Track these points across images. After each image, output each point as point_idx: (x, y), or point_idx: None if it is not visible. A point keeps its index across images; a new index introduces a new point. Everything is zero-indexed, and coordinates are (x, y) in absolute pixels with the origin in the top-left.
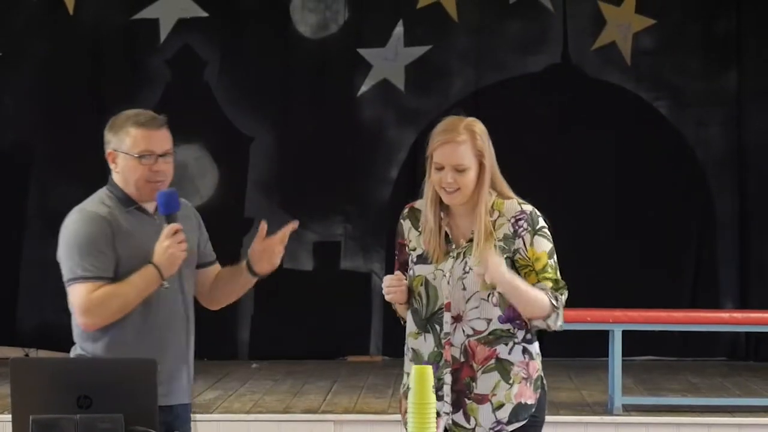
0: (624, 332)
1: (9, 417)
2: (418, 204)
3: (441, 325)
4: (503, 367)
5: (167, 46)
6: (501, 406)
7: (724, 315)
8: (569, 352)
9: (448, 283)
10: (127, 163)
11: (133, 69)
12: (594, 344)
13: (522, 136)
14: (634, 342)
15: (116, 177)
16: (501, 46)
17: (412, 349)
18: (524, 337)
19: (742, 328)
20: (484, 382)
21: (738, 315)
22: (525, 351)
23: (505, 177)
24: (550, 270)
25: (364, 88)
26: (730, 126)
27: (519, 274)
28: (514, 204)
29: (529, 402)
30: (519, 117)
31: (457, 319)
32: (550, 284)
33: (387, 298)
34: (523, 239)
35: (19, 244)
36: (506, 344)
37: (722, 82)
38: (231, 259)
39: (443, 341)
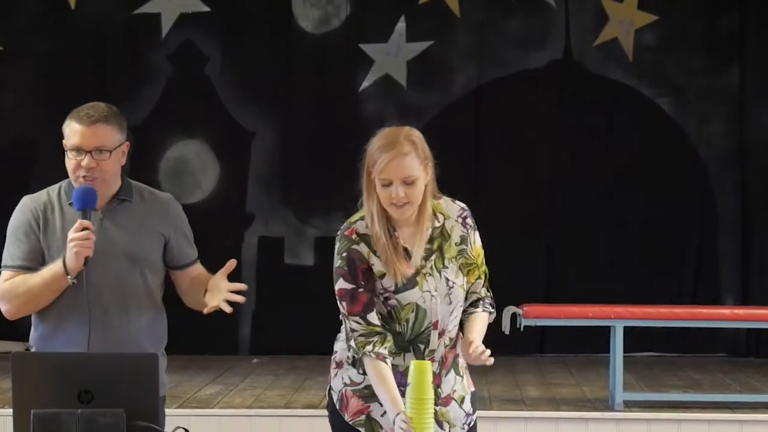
0: (625, 328)
1: (10, 411)
2: (360, 229)
3: (426, 344)
4: (455, 362)
5: (169, 41)
6: (463, 399)
7: (726, 311)
8: (570, 348)
9: (438, 302)
10: (66, 156)
11: (135, 64)
12: (595, 340)
13: (523, 132)
14: (635, 338)
15: None
16: (503, 41)
17: (391, 364)
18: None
19: (743, 324)
20: (447, 383)
21: (739, 311)
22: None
23: (505, 174)
24: (483, 263)
25: (365, 84)
26: (732, 123)
27: (463, 273)
28: (450, 203)
29: (473, 389)
30: (520, 113)
31: (441, 333)
32: (482, 279)
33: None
34: (471, 237)
35: None
36: (459, 337)
37: (725, 79)
38: (231, 255)
39: (427, 358)
